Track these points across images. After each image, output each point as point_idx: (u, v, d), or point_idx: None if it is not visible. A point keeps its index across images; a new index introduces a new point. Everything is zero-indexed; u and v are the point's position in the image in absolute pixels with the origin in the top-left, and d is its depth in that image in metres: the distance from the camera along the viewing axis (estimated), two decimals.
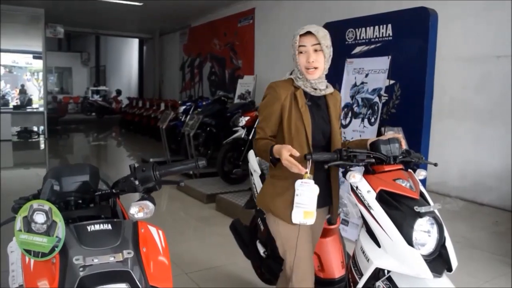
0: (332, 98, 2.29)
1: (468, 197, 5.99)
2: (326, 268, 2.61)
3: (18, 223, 1.34)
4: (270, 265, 2.78)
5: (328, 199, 2.30)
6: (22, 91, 13.87)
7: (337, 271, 2.60)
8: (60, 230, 1.33)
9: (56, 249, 1.32)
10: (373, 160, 2.11)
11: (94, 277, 1.26)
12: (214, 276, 3.56)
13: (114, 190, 1.50)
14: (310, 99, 2.21)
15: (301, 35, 2.14)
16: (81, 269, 1.27)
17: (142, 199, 1.46)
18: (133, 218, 1.46)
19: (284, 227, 2.19)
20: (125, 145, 13.02)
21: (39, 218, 1.33)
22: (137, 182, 1.44)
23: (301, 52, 2.15)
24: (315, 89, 2.20)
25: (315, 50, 2.13)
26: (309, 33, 2.12)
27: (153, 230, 1.48)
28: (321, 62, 2.16)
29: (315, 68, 2.15)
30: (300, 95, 2.18)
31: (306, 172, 1.99)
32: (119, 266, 1.31)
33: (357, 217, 2.41)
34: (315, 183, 2.00)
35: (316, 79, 2.19)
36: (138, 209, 1.44)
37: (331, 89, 2.28)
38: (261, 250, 2.86)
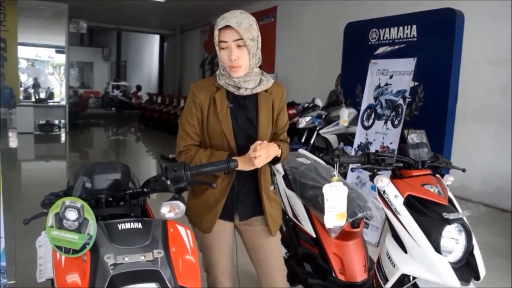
0: (265, 96, 1.97)
1: (490, 203, 5.89)
2: (348, 271, 2.56)
3: (50, 219, 1.34)
4: (292, 266, 2.76)
5: (258, 209, 2.04)
6: (36, 85, 14.00)
7: (359, 274, 2.56)
8: (92, 227, 1.33)
9: (87, 246, 1.32)
10: (401, 165, 2.09)
11: (124, 275, 1.26)
12: None
13: (145, 189, 1.50)
14: (233, 99, 1.94)
15: (220, 30, 1.83)
16: (111, 267, 1.27)
17: (173, 199, 1.45)
18: (163, 218, 1.45)
19: (198, 233, 2.05)
20: (144, 140, 13.11)
21: (71, 215, 1.33)
22: (168, 182, 1.43)
23: (222, 48, 1.85)
24: (239, 87, 1.91)
25: (238, 46, 1.83)
26: (228, 27, 1.81)
27: (181, 229, 1.48)
28: (245, 58, 1.86)
29: (239, 66, 1.86)
30: (220, 98, 1.92)
31: (334, 175, 1.97)
32: (149, 265, 1.30)
33: (381, 220, 2.38)
34: (242, 191, 1.97)
35: (241, 77, 1.89)
36: (169, 209, 1.44)
37: (266, 85, 1.97)
38: (283, 251, 2.84)
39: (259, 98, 1.96)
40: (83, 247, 1.32)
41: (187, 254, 1.42)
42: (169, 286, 1.29)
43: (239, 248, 2.21)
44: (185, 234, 1.48)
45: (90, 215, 1.34)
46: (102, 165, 1.51)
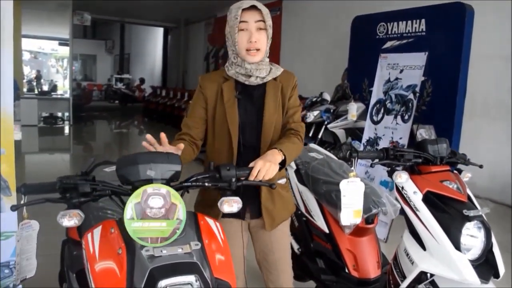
0: (274, 85, 1.90)
1: (497, 199, 5.85)
2: (361, 268, 2.55)
3: (129, 211, 1.27)
4: (304, 262, 2.75)
5: (256, 209, 1.94)
6: (38, 77, 13.92)
7: (372, 271, 2.54)
8: (181, 212, 1.29)
9: (177, 231, 1.29)
10: (420, 160, 2.06)
11: (163, 268, 1.23)
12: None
13: (206, 183, 1.50)
14: (242, 90, 1.87)
15: (243, 10, 1.78)
16: (149, 260, 1.24)
17: (230, 194, 1.46)
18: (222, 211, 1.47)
19: None
20: (147, 133, 13.05)
21: (156, 202, 1.28)
22: (233, 180, 1.47)
23: (241, 30, 1.79)
24: (250, 76, 1.84)
25: (259, 29, 1.80)
26: (253, 7, 1.77)
27: (211, 222, 1.46)
28: (264, 43, 1.82)
29: (257, 49, 1.81)
30: (228, 88, 1.86)
31: (352, 170, 1.95)
32: (187, 257, 1.27)
33: (395, 216, 2.36)
34: (248, 188, 1.75)
35: (256, 62, 1.83)
36: (227, 204, 1.45)
37: (275, 72, 1.90)
38: (295, 246, 2.82)
39: (267, 86, 1.89)
40: (173, 233, 1.29)
41: (219, 246, 1.40)
42: (207, 278, 1.26)
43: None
44: (215, 226, 1.46)
45: (177, 199, 1.30)
46: (166, 155, 1.42)
